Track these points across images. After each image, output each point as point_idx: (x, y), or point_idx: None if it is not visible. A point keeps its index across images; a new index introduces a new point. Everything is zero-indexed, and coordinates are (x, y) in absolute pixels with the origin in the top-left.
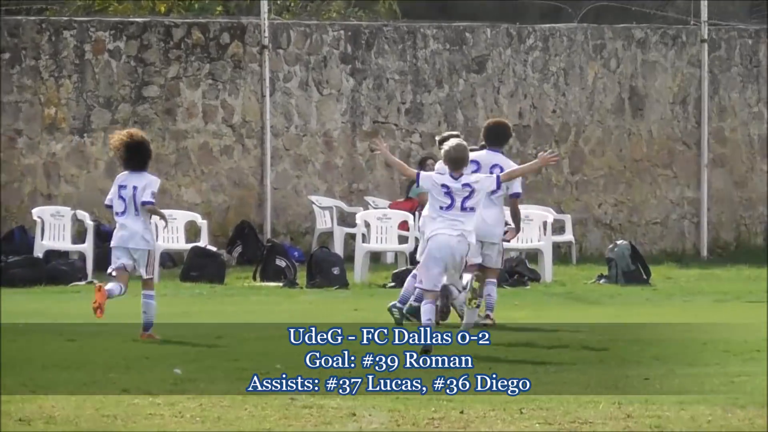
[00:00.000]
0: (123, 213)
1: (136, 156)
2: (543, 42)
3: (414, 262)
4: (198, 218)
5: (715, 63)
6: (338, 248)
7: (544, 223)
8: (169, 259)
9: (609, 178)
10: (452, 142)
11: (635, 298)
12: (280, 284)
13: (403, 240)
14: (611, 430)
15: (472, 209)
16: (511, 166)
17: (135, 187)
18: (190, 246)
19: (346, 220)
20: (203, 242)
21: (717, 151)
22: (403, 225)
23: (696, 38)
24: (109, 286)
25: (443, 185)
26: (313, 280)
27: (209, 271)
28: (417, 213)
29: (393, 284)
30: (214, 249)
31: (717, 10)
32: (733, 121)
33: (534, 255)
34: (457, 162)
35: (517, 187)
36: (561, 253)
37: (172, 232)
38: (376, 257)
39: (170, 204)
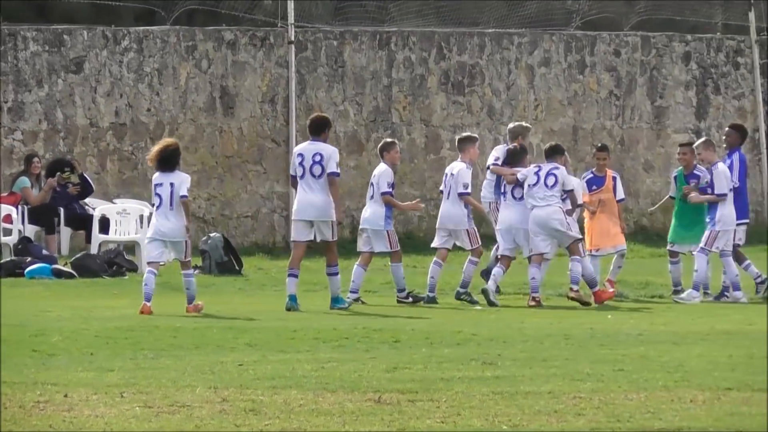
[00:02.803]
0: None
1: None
2: (137, 44)
3: (17, 252)
4: None
5: (303, 63)
6: None
7: (141, 217)
8: None
9: (202, 173)
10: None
11: (229, 288)
12: None
13: (7, 233)
14: (207, 413)
15: None
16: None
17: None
18: None
19: None
20: None
21: None
22: (7, 218)
23: (284, 40)
24: None
25: None
26: None
27: None
28: (19, 207)
29: None
30: None
31: (303, 12)
32: None
33: (131, 247)
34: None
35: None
36: None
37: None
38: None
39: None
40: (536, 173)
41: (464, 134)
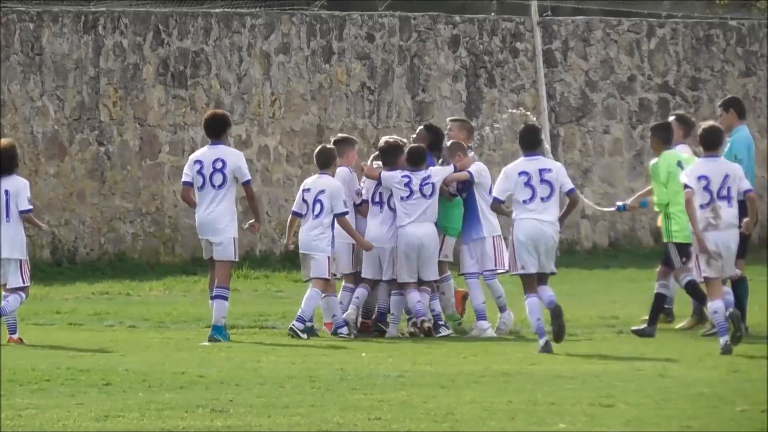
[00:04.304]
0: None
1: None
2: None
3: None
4: None
5: None
6: None
7: None
8: None
9: None
10: None
11: None
12: None
13: None
14: None
15: None
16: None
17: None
18: None
19: None
20: None
21: None
22: None
23: None
24: None
25: None
26: None
27: None
28: None
29: None
30: None
31: None
32: (14, 117)
33: None
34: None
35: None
36: None
37: None
38: None
39: None
40: (407, 185)
41: (340, 135)
